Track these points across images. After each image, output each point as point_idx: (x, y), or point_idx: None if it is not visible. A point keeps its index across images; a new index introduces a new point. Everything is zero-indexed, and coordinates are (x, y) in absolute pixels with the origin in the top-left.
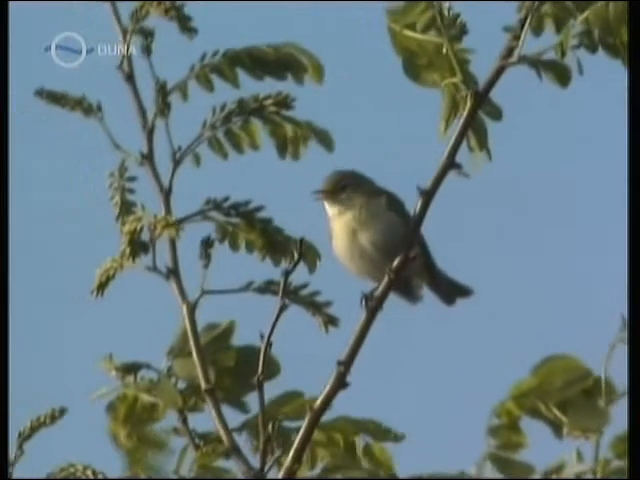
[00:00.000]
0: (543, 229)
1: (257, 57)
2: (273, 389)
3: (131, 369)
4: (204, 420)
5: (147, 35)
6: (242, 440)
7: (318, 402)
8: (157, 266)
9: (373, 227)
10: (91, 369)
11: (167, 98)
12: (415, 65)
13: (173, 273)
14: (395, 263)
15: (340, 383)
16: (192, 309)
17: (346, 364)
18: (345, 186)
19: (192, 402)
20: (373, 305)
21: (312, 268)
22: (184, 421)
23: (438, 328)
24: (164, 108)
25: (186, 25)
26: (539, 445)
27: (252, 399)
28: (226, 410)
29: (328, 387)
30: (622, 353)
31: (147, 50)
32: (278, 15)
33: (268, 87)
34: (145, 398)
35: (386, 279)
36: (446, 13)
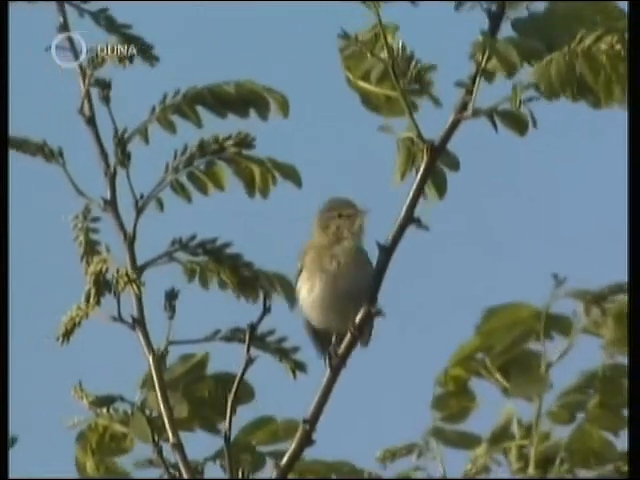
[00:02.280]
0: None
1: (219, 95)
2: (248, 413)
3: (105, 401)
4: None
5: (104, 86)
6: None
7: (284, 460)
8: (122, 315)
9: (357, 277)
10: (63, 403)
11: (126, 149)
12: (373, 105)
13: (138, 323)
14: (358, 319)
15: (306, 440)
16: (158, 360)
17: (311, 422)
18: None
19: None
20: (336, 363)
21: (291, 303)
22: (159, 452)
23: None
24: (124, 159)
25: (147, 54)
26: (490, 404)
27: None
28: (204, 436)
29: (294, 445)
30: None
31: (105, 99)
32: (231, 52)
33: (232, 125)
34: (117, 428)
35: (349, 336)
36: (400, 59)
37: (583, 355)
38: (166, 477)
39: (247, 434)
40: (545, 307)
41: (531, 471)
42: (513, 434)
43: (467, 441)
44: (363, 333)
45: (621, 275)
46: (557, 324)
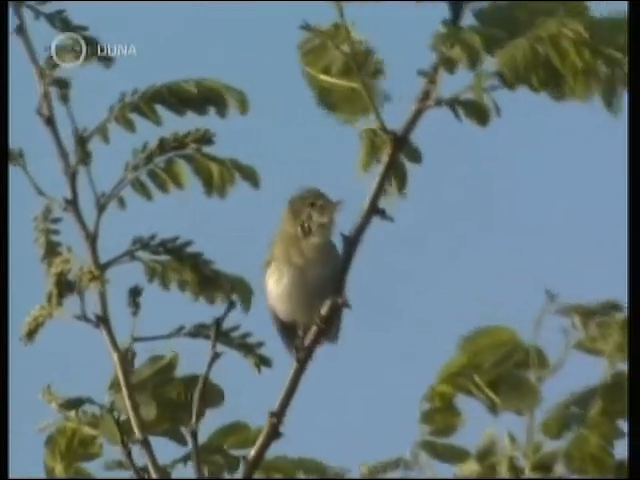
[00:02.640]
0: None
1: (178, 92)
2: (217, 417)
3: (74, 404)
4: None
5: (62, 85)
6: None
7: (252, 453)
8: (86, 314)
9: (326, 269)
10: (30, 405)
11: (86, 147)
12: (330, 102)
13: (103, 321)
14: (324, 311)
15: (273, 434)
16: (123, 358)
17: (278, 415)
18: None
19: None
20: (302, 356)
21: (247, 307)
22: (128, 454)
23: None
24: (84, 157)
25: (102, 55)
26: (476, 421)
27: (201, 426)
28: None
29: (261, 438)
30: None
31: (64, 99)
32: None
33: (191, 123)
34: (86, 431)
35: (315, 328)
36: (361, 53)
37: (574, 370)
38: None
39: (219, 438)
40: (535, 326)
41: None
42: (501, 450)
43: (456, 455)
44: (329, 325)
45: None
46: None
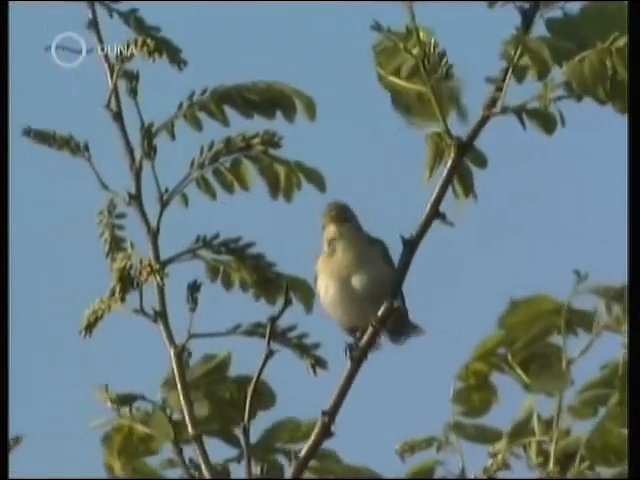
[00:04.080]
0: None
1: (246, 94)
2: (270, 419)
3: (126, 400)
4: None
5: (131, 78)
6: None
7: (303, 451)
8: (144, 308)
9: (367, 274)
10: (85, 400)
11: (152, 141)
12: (404, 104)
13: (160, 316)
14: (380, 313)
15: (325, 433)
16: (179, 353)
17: (330, 414)
18: (350, 219)
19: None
20: (357, 355)
21: (308, 307)
22: (179, 452)
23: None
24: (150, 151)
25: (175, 57)
26: (511, 398)
27: (252, 427)
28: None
29: (313, 437)
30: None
31: (133, 92)
32: (264, 51)
33: (258, 125)
34: (140, 429)
35: (371, 329)
36: (431, 56)
37: (604, 351)
38: (186, 477)
39: (271, 435)
40: (567, 302)
41: (551, 467)
42: (533, 429)
43: (487, 436)
44: (384, 326)
45: None
46: (579, 319)
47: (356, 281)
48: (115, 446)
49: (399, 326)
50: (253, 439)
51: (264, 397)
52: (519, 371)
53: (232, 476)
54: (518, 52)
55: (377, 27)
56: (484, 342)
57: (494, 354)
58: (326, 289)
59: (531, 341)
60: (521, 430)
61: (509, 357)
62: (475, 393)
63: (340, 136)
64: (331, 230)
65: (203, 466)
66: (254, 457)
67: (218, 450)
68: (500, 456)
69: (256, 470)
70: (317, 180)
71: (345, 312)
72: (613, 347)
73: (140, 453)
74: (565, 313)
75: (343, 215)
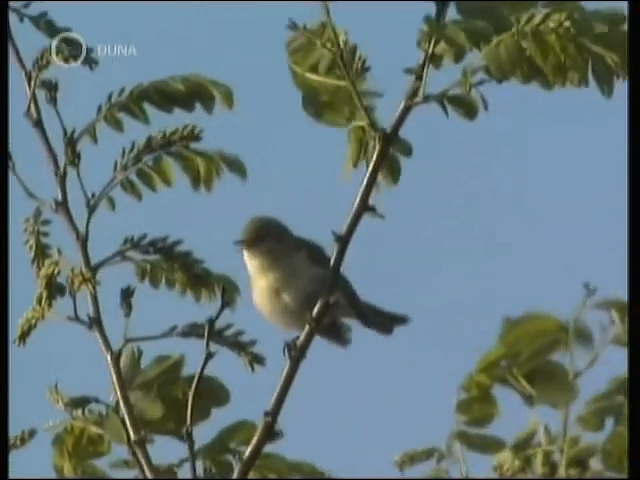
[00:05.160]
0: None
1: (165, 90)
2: (227, 416)
3: (80, 403)
4: (155, 451)
5: (50, 88)
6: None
7: (247, 453)
8: (79, 315)
9: (296, 286)
10: (35, 402)
11: (76, 148)
12: (317, 103)
13: (95, 322)
14: (315, 311)
15: (268, 433)
16: (116, 358)
17: (273, 414)
18: (265, 237)
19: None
20: (296, 355)
21: (231, 305)
22: (134, 454)
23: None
24: (74, 158)
25: (87, 57)
26: (512, 412)
27: (203, 428)
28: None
29: (256, 438)
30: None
31: (52, 100)
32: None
33: (180, 119)
34: (93, 431)
35: (307, 328)
36: (345, 51)
37: (610, 364)
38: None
39: (225, 436)
40: (573, 319)
41: (562, 472)
42: (538, 442)
43: (491, 445)
44: (320, 324)
45: None
46: (583, 337)
47: (286, 297)
48: (65, 447)
49: (367, 315)
50: (207, 438)
51: (217, 394)
52: (524, 383)
53: (181, 476)
54: (433, 39)
55: (293, 26)
56: (487, 355)
57: (497, 367)
58: (261, 305)
59: (535, 354)
60: (526, 442)
61: (514, 370)
62: (477, 404)
63: (262, 127)
64: (246, 257)
65: (146, 468)
66: (207, 457)
67: (176, 450)
68: (506, 465)
69: (200, 471)
70: (237, 167)
71: (283, 323)
72: (618, 361)
73: (90, 454)
74: (573, 326)
75: (255, 235)
